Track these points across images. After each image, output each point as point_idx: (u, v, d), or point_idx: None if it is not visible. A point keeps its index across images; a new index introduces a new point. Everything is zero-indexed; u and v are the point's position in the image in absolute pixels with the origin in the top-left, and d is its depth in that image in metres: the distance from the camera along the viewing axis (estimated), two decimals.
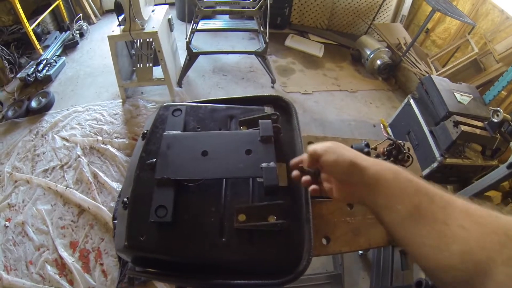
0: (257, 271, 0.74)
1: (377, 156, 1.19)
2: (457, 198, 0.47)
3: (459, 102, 2.36)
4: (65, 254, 1.91)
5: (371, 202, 0.54)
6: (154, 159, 0.83)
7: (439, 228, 0.44)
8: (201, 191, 0.78)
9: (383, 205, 0.52)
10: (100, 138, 2.56)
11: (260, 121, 0.82)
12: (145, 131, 0.97)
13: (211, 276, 0.73)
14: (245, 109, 0.93)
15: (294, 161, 0.72)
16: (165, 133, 0.87)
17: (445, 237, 0.43)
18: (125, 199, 0.83)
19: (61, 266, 1.88)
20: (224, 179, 0.80)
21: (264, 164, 0.73)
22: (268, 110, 0.90)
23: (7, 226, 2.05)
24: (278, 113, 0.86)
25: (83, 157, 2.41)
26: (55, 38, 3.54)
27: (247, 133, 0.82)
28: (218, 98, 1.01)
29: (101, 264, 1.90)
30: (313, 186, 0.66)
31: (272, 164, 0.73)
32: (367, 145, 1.10)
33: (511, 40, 2.94)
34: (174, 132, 0.87)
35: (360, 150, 1.09)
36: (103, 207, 2.10)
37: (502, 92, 2.56)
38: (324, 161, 0.61)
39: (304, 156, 0.68)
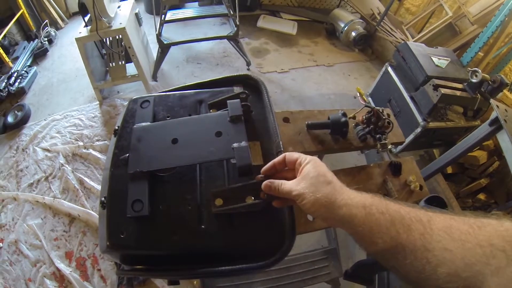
0: (240, 255, 0.72)
1: (357, 125, 1.18)
2: (437, 215, 0.45)
3: (437, 66, 2.35)
4: (62, 266, 1.89)
5: (349, 233, 0.52)
6: (127, 154, 0.80)
7: (422, 256, 0.43)
8: (175, 179, 0.76)
9: (360, 240, 0.50)
10: (81, 144, 2.50)
11: (228, 101, 0.79)
12: (116, 128, 0.94)
13: (196, 265, 0.72)
14: (214, 92, 0.90)
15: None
16: (134, 126, 0.84)
17: (429, 264, 0.42)
18: (103, 199, 0.81)
19: (60, 278, 1.86)
20: (197, 165, 0.78)
21: (235, 144, 0.71)
22: (237, 90, 0.87)
23: (1, 247, 2.01)
24: (246, 92, 0.84)
25: (67, 165, 2.36)
26: (24, 49, 3.40)
27: (216, 115, 0.79)
28: (186, 84, 0.97)
29: (99, 270, 1.89)
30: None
31: (243, 143, 0.71)
32: (344, 115, 1.09)
33: (484, 1, 2.92)
34: (143, 124, 0.85)
35: (337, 120, 1.08)
36: (92, 213, 2.07)
37: (479, 53, 2.55)
38: (300, 204, 0.56)
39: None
